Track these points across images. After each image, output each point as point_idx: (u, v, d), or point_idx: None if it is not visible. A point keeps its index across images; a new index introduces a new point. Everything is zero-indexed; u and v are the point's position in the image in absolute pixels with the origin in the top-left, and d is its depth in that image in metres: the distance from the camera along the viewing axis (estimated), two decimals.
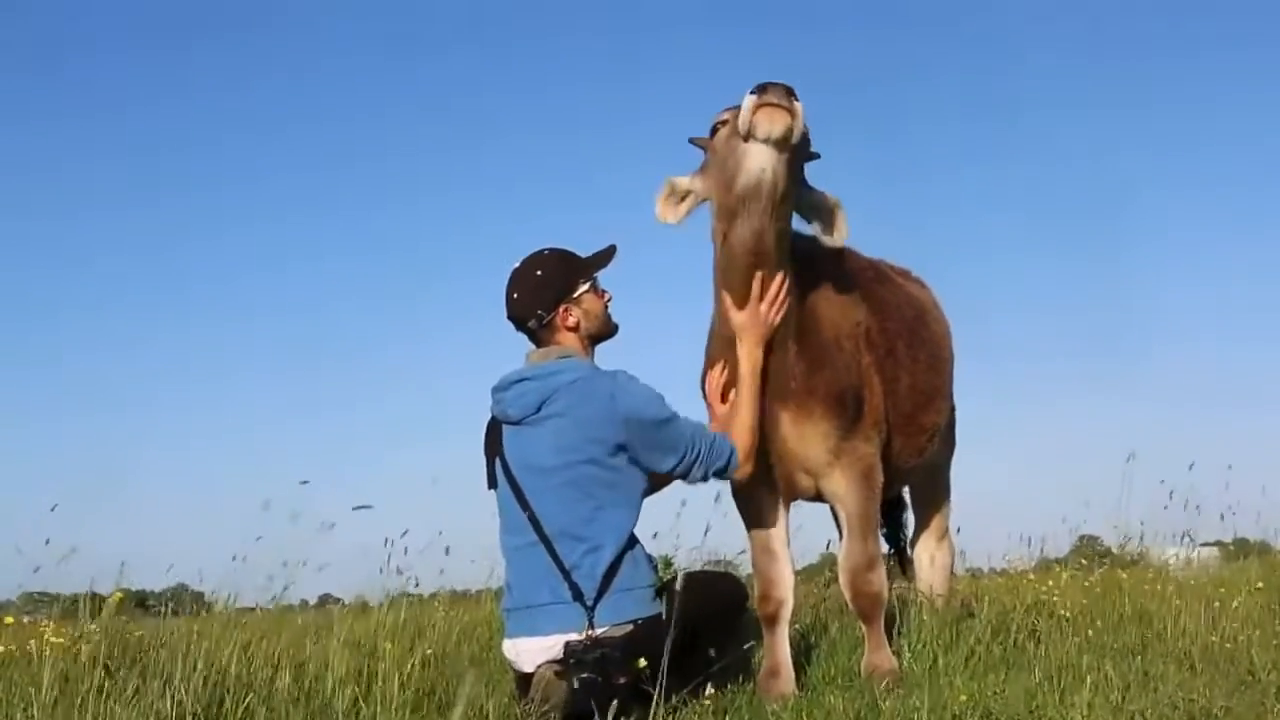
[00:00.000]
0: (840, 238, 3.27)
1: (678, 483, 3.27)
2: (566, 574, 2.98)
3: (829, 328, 3.33)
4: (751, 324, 3.15)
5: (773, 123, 2.88)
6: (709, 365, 3.39)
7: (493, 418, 3.21)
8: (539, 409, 3.08)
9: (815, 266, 3.38)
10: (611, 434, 3.03)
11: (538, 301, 3.15)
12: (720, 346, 3.30)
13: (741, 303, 3.15)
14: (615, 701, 2.73)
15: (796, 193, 3.14)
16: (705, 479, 3.15)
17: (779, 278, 3.14)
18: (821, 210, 3.26)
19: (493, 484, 3.19)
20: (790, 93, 2.91)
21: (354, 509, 4.05)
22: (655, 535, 4.73)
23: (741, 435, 3.16)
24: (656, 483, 3.22)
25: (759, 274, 3.10)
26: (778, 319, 3.15)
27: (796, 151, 3.03)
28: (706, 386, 3.38)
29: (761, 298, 3.13)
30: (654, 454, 3.07)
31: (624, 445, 3.04)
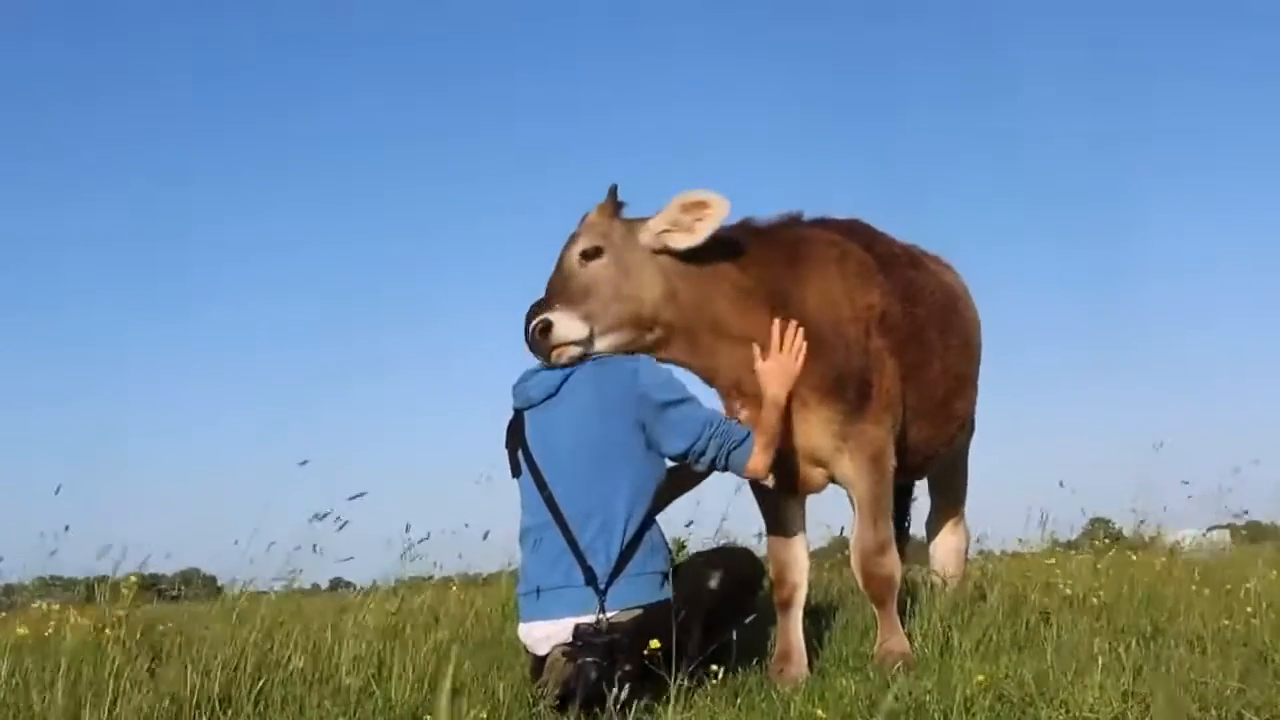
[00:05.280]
0: (696, 237, 3.18)
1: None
2: (580, 557, 2.99)
3: (823, 312, 3.31)
4: (775, 371, 3.16)
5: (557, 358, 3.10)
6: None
7: (515, 414, 3.24)
8: (559, 388, 3.12)
9: (803, 253, 3.39)
10: (629, 410, 3.05)
11: None
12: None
13: (764, 351, 3.18)
14: (622, 686, 2.75)
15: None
16: (723, 465, 3.14)
17: (791, 325, 3.17)
18: (677, 230, 3.20)
19: (516, 472, 3.21)
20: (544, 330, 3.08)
21: (349, 499, 4.13)
22: (666, 523, 4.74)
23: (760, 440, 3.16)
24: (679, 482, 3.25)
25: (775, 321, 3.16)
26: (799, 366, 3.17)
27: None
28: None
29: (782, 346, 3.16)
30: (670, 434, 3.08)
31: (641, 424, 3.06)
